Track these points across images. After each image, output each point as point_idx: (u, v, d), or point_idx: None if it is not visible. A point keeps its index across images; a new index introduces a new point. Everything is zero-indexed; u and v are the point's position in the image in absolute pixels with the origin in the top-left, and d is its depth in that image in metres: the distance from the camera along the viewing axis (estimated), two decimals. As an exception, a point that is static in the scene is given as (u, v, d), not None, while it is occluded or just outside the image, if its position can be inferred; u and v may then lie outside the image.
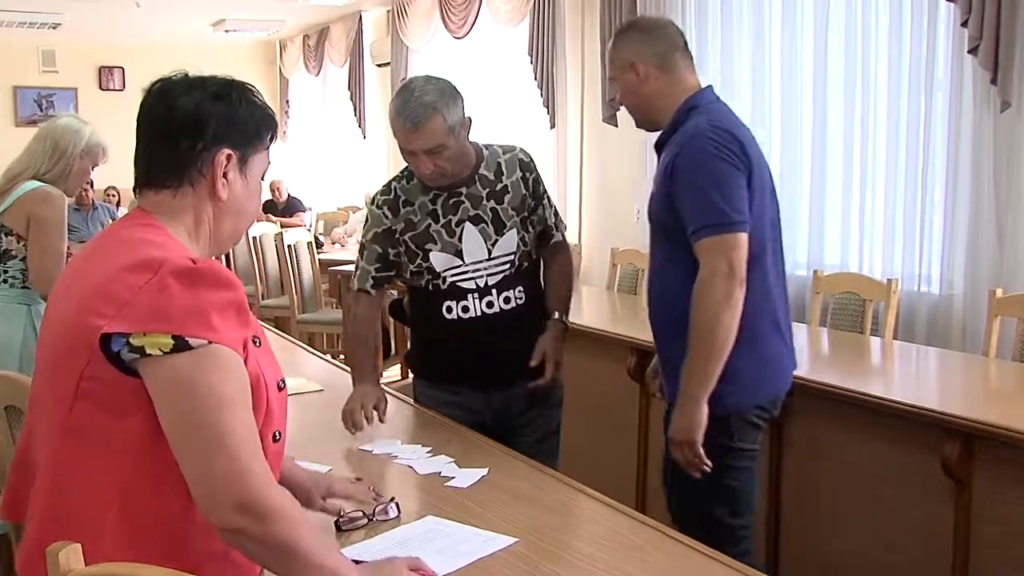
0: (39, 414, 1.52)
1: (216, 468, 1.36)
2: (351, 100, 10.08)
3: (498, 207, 2.72)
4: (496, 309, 2.71)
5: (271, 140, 1.62)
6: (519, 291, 2.74)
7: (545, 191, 2.86)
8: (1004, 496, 2.65)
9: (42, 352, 1.54)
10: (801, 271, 4.96)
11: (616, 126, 6.17)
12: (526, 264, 2.77)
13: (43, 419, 1.49)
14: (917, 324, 4.36)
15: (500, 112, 7.80)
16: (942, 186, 4.30)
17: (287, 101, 12.11)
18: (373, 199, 2.83)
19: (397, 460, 2.39)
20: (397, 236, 2.74)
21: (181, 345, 1.36)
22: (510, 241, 2.72)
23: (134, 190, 1.58)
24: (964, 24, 3.99)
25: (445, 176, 2.65)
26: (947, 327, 4.27)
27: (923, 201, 4.38)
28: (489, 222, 2.71)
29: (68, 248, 3.38)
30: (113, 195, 10.33)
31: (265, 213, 10.33)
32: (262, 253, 8.34)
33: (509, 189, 2.74)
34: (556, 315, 2.82)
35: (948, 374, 3.51)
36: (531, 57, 6.94)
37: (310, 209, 10.70)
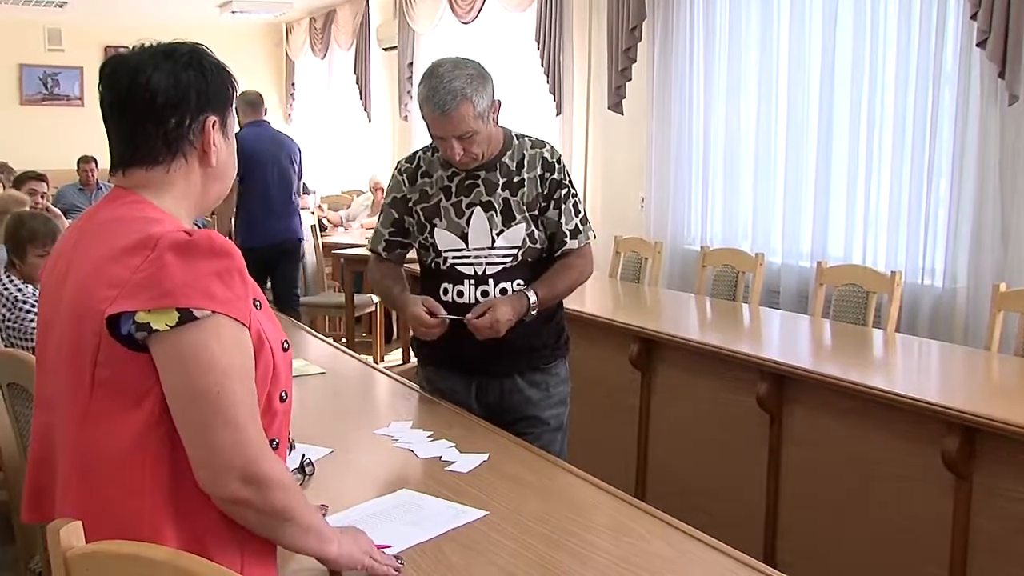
0: (56, 411, 1.50)
1: (218, 438, 1.37)
2: (357, 84, 10.06)
3: (511, 198, 2.68)
4: (491, 299, 2.66)
5: (236, 93, 1.64)
6: (518, 284, 2.69)
7: (569, 196, 2.73)
8: (1004, 490, 2.65)
9: (49, 349, 1.52)
10: (805, 262, 4.96)
11: (622, 114, 6.16)
12: (531, 260, 2.72)
13: (62, 415, 1.48)
14: (920, 317, 4.36)
15: (506, 98, 7.77)
16: (947, 179, 4.29)
17: (293, 84, 12.09)
18: (398, 164, 2.82)
19: (397, 444, 2.39)
20: (410, 205, 2.74)
21: (186, 317, 1.37)
22: (517, 234, 2.68)
23: (114, 170, 1.57)
24: (973, 17, 3.98)
25: (476, 160, 2.63)
26: (950, 321, 4.27)
27: (928, 194, 4.38)
28: (499, 211, 2.67)
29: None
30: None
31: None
32: (266, 235, 8.33)
33: (525, 184, 2.69)
34: (527, 289, 2.68)
35: (950, 368, 3.51)
36: (538, 43, 6.92)
37: (314, 192, 10.69)
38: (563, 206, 2.73)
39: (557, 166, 2.73)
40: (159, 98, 1.50)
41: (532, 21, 7.01)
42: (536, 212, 2.71)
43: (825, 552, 3.17)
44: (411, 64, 9.03)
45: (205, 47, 1.60)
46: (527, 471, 2.21)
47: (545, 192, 2.71)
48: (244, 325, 1.43)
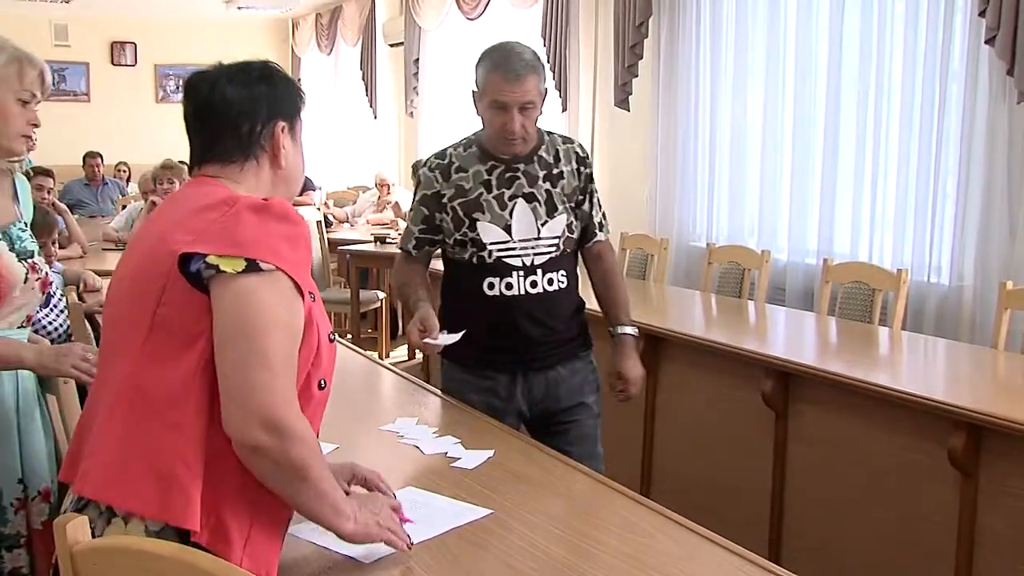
0: (110, 361, 1.60)
1: (252, 378, 1.44)
2: (363, 80, 10.07)
3: (553, 190, 2.72)
4: (540, 289, 2.70)
5: (304, 104, 1.78)
6: (562, 275, 2.73)
7: (595, 191, 2.85)
8: (1010, 488, 2.65)
9: (113, 302, 1.64)
10: (811, 259, 4.96)
11: (628, 110, 6.15)
12: (569, 251, 2.77)
13: (117, 356, 1.56)
14: (926, 315, 4.35)
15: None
16: (954, 177, 4.28)
17: (299, 80, 12.05)
18: (425, 162, 2.81)
19: (403, 440, 2.39)
20: (445, 201, 2.72)
21: (252, 267, 1.48)
22: (559, 225, 2.72)
23: (192, 170, 1.72)
24: (981, 14, 3.96)
25: (525, 141, 2.68)
26: (956, 318, 4.26)
27: (935, 192, 4.37)
28: (542, 202, 2.70)
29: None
30: (124, 171, 10.34)
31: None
32: (271, 231, 8.33)
33: (564, 176, 2.74)
34: (623, 327, 2.87)
35: (956, 366, 3.50)
36: (544, 39, 6.91)
37: (320, 188, 10.70)
38: (593, 199, 2.83)
39: (587, 160, 2.84)
40: (234, 107, 1.66)
41: (538, 17, 7.01)
42: (574, 204, 2.76)
43: (831, 549, 3.17)
44: (417, 60, 9.03)
45: (276, 64, 1.76)
46: (533, 467, 2.21)
47: (582, 185, 2.78)
48: (299, 291, 1.53)
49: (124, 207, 7.54)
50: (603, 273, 2.91)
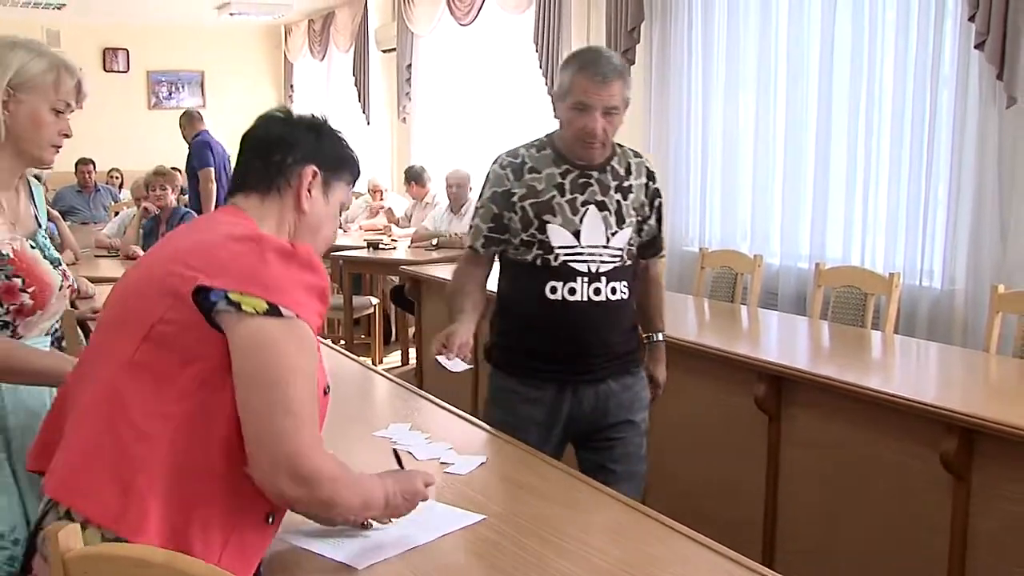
0: (89, 366, 1.60)
1: (278, 426, 1.46)
2: (355, 86, 10.07)
3: (623, 201, 2.69)
4: (603, 298, 2.65)
5: (353, 177, 1.81)
6: (624, 285, 2.69)
7: (662, 207, 2.82)
8: (1003, 491, 2.65)
9: (115, 306, 1.63)
10: (803, 263, 4.97)
11: (620, 116, 6.16)
12: (630, 263, 2.74)
13: (101, 365, 1.55)
14: (918, 319, 4.36)
15: (505, 100, 7.79)
16: (946, 181, 4.29)
17: (291, 86, 12.10)
18: (497, 160, 2.76)
19: (396, 446, 2.39)
20: (515, 200, 2.67)
21: (274, 311, 1.48)
22: (624, 237, 2.68)
23: (228, 195, 1.74)
24: (971, 19, 3.98)
25: (604, 147, 2.65)
26: (948, 322, 4.28)
27: (926, 196, 4.38)
28: (612, 212, 2.67)
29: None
30: (116, 177, 10.32)
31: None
32: (264, 237, 8.32)
33: (634, 190, 2.72)
34: (655, 335, 2.95)
35: (948, 369, 3.51)
36: (536, 45, 6.93)
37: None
38: (661, 215, 2.81)
39: (656, 176, 2.80)
40: (271, 139, 1.71)
41: (530, 23, 7.02)
42: (640, 218, 2.74)
43: (824, 553, 3.17)
44: (409, 66, 9.04)
45: (336, 128, 1.80)
46: (525, 473, 2.22)
47: (648, 201, 2.76)
48: (315, 333, 1.56)
49: (117, 213, 7.53)
50: (649, 283, 2.92)
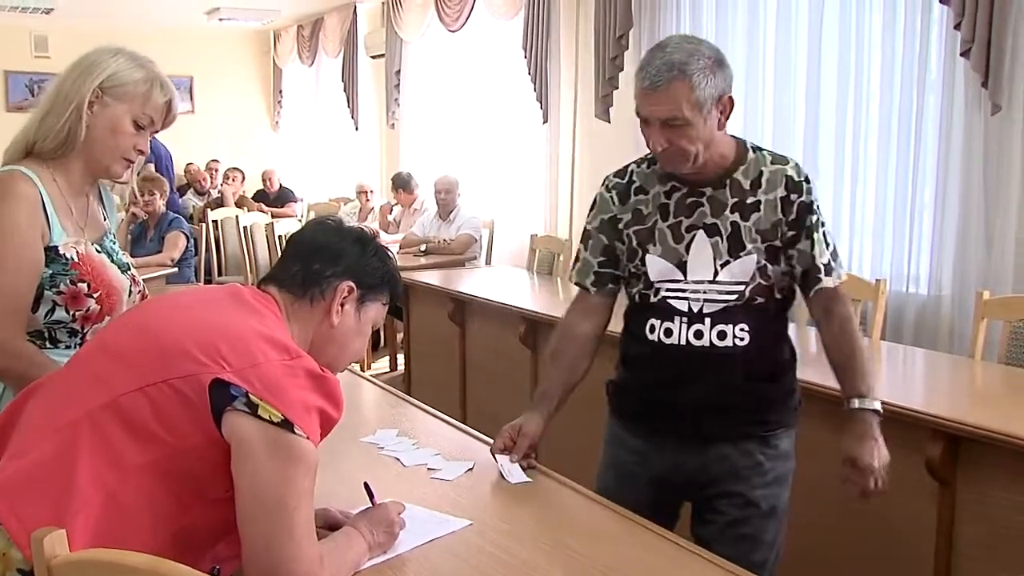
0: (80, 380, 1.58)
1: (279, 552, 1.48)
2: (344, 91, 10.06)
3: (741, 223, 2.21)
4: (705, 343, 2.22)
5: (391, 298, 1.83)
6: (740, 328, 2.21)
7: (820, 223, 2.27)
8: (988, 497, 2.66)
9: (121, 335, 1.62)
10: (790, 270, 4.97)
11: (609, 122, 6.18)
12: (761, 300, 2.23)
13: (88, 386, 1.54)
14: (905, 325, 4.38)
15: (493, 106, 7.80)
16: (932, 188, 4.32)
17: (280, 91, 12.08)
18: (604, 181, 2.39)
19: (383, 452, 2.39)
20: (622, 227, 2.31)
21: (286, 426, 1.49)
22: (745, 268, 2.21)
23: (262, 281, 1.76)
24: (957, 27, 4.00)
25: (685, 160, 2.16)
26: (935, 328, 4.29)
27: (913, 202, 4.40)
28: (725, 238, 2.21)
29: (133, 269, 2.27)
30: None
31: (256, 203, 10.31)
32: (252, 243, 8.33)
33: (761, 208, 2.21)
34: (856, 400, 2.30)
35: (934, 375, 3.52)
36: (525, 51, 6.93)
37: (301, 200, 10.69)
38: (815, 235, 2.26)
39: (806, 186, 2.24)
40: (316, 246, 1.74)
41: (519, 29, 7.03)
42: (778, 243, 2.23)
43: (809, 559, 3.17)
44: (398, 72, 9.04)
45: (388, 251, 1.82)
46: (513, 479, 2.21)
47: (791, 218, 2.23)
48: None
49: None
50: (833, 330, 2.32)
